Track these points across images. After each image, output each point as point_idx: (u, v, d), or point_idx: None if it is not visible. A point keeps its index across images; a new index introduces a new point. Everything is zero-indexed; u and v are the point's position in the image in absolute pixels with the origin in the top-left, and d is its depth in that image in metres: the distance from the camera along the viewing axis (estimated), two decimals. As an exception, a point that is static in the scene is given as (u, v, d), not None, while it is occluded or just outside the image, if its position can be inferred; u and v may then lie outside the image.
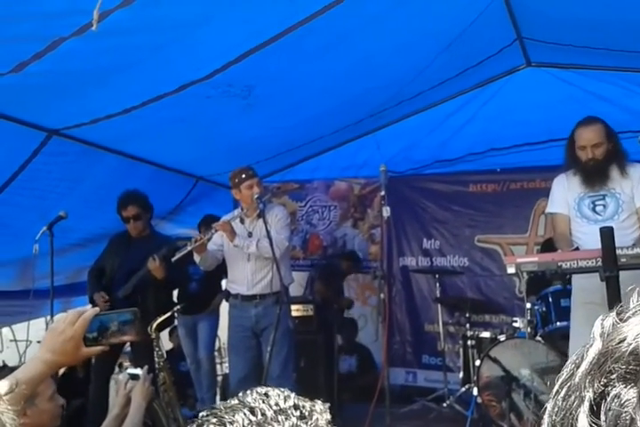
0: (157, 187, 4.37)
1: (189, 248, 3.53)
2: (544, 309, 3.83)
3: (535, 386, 3.55)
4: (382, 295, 3.44)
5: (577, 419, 0.35)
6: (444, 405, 4.29)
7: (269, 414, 0.73)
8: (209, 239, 3.66)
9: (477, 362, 3.83)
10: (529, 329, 3.86)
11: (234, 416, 0.72)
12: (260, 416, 0.72)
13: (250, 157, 4.41)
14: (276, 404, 0.75)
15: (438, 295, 4.78)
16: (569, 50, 3.90)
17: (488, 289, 5.12)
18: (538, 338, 3.74)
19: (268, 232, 3.39)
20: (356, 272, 5.37)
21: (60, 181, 3.78)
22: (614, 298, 2.35)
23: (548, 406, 0.39)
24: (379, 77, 3.83)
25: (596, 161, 2.92)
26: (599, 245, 2.48)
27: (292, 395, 0.77)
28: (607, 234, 2.35)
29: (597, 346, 0.38)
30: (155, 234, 4.23)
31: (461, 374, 4.38)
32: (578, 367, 0.38)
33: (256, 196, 3.55)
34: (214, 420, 0.73)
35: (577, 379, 0.37)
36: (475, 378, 3.80)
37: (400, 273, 5.38)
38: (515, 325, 4.13)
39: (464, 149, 5.05)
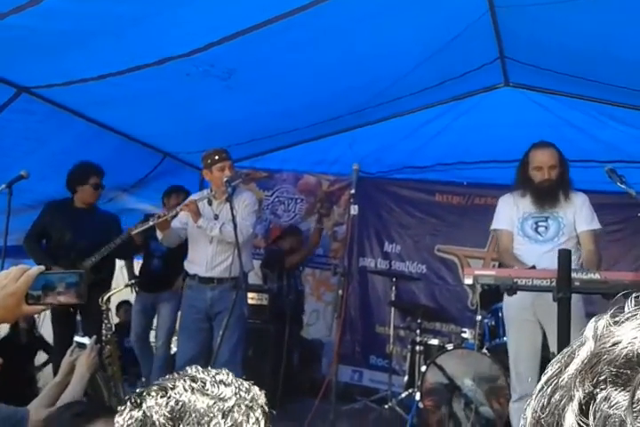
0: (123, 158, 4.31)
1: (151, 223, 3.48)
2: (493, 323, 3.91)
3: (476, 397, 3.62)
4: (340, 292, 3.44)
5: (564, 417, 0.35)
6: (386, 406, 4.33)
7: (209, 382, 0.76)
8: (173, 217, 3.61)
9: (423, 368, 3.88)
10: (477, 341, 3.94)
11: (175, 383, 0.75)
12: (199, 383, 0.75)
13: (223, 139, 4.36)
14: (217, 375, 0.78)
15: (393, 299, 4.83)
16: (548, 75, 3.99)
17: (442, 298, 5.20)
18: (484, 351, 3.81)
19: (233, 217, 3.36)
20: (301, 247, 5.32)
21: (25, 139, 3.70)
22: (564, 319, 2.41)
23: (532, 402, 0.38)
24: (360, 77, 3.86)
25: (551, 182, 3.03)
26: (538, 265, 2.56)
27: (232, 374, 0.81)
28: (564, 256, 2.41)
29: (589, 347, 0.37)
30: (97, 207, 4.19)
31: (406, 378, 4.43)
32: (567, 366, 0.38)
33: (226, 179, 3.51)
34: (155, 387, 0.76)
35: (566, 378, 0.37)
36: (419, 383, 3.85)
37: (358, 273, 5.42)
38: (463, 335, 4.21)
39: (434, 159, 5.11)
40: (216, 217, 3.63)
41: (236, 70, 3.46)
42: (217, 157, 3.59)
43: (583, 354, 0.37)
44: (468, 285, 2.91)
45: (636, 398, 0.33)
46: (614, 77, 3.80)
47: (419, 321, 4.50)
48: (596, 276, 2.45)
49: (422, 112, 4.67)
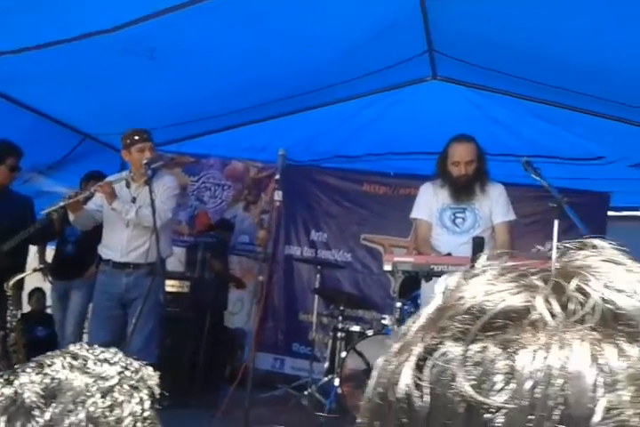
0: (39, 138, 4.09)
1: (61, 204, 3.31)
2: (412, 309, 3.99)
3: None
4: (261, 278, 3.41)
5: (400, 373, 0.34)
6: (305, 393, 4.35)
7: (92, 360, 0.72)
8: (87, 198, 3.45)
9: (343, 354, 3.91)
10: (395, 327, 4.00)
11: (53, 359, 0.72)
12: (80, 361, 0.72)
13: (147, 121, 4.20)
14: (102, 353, 0.75)
15: (317, 286, 4.84)
16: (476, 70, 4.08)
17: (365, 286, 5.26)
18: (402, 336, 3.87)
19: (152, 201, 3.25)
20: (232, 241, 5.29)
21: None
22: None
23: (380, 360, 0.37)
24: (291, 63, 3.81)
25: (467, 177, 3.10)
26: (455, 255, 2.62)
27: (121, 354, 0.77)
28: (479, 243, 2.49)
29: (436, 302, 0.37)
30: (10, 189, 3.97)
31: (327, 365, 4.46)
32: (414, 323, 0.37)
33: (145, 161, 3.38)
34: (33, 364, 0.72)
35: (411, 334, 0.36)
36: (338, 369, 3.88)
37: (284, 261, 5.39)
38: (383, 322, 4.27)
39: (364, 149, 5.15)
40: (134, 200, 3.50)
41: (159, 49, 3.34)
42: (137, 138, 3.45)
43: (429, 310, 0.37)
44: (388, 271, 2.95)
45: (470, 352, 0.32)
46: (542, 75, 3.93)
47: (341, 308, 4.53)
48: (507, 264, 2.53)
49: (353, 101, 4.68)
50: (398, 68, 4.17)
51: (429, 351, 0.34)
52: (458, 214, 3.19)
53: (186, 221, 5.52)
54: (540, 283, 0.34)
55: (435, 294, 0.38)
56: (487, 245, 3.09)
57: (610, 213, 5.09)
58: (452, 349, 0.33)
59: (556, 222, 2.41)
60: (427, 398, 0.32)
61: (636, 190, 4.93)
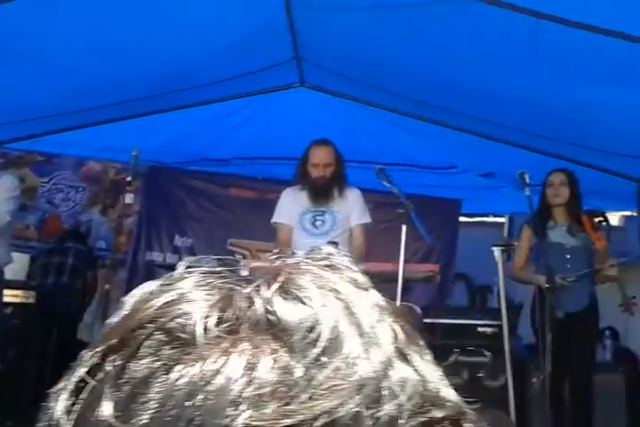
0: None
1: None
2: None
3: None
4: (107, 286, 3.20)
5: (57, 399, 0.31)
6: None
7: None
8: None
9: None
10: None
11: None
12: None
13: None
14: None
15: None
16: (341, 79, 4.19)
17: (231, 292, 5.16)
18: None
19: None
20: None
21: None
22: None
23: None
24: (157, 60, 3.65)
25: (325, 179, 3.19)
26: None
27: None
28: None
29: (123, 311, 0.33)
30: None
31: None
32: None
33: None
34: None
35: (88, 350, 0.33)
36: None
37: (144, 267, 5.14)
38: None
39: (232, 152, 5.08)
40: (-36, 202, 3.14)
41: (4, 41, 3.03)
42: None
43: (112, 320, 0.33)
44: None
45: (126, 370, 0.29)
46: (404, 88, 4.11)
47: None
48: (359, 266, 2.59)
49: (223, 104, 4.59)
50: (268, 73, 4.15)
51: (94, 371, 0.30)
52: (317, 217, 3.27)
53: (34, 226, 5.07)
54: (231, 290, 0.32)
55: None
56: (347, 247, 3.19)
57: (461, 218, 5.49)
58: (110, 367, 0.30)
59: (403, 228, 2.52)
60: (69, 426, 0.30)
61: (484, 198, 5.35)
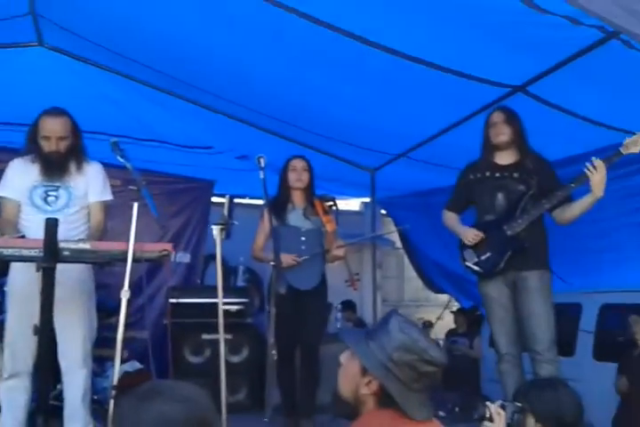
0: None
1: None
2: (1, 299, 3.59)
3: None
4: None
5: None
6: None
7: None
8: None
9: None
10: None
11: None
12: None
13: None
14: None
15: None
16: (86, 44, 3.88)
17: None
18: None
19: None
20: None
21: None
22: (48, 289, 2.38)
23: None
24: None
25: (59, 154, 2.94)
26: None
27: None
28: (52, 225, 2.35)
29: None
30: None
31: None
32: None
33: None
34: None
35: None
36: None
37: None
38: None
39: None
40: None
41: None
42: None
43: None
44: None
45: None
46: (156, 61, 3.93)
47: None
48: (87, 246, 2.46)
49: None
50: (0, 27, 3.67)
51: None
52: (50, 193, 2.99)
53: None
54: None
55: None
56: (85, 225, 2.99)
57: (215, 199, 5.53)
58: None
59: (135, 205, 2.43)
60: None
61: (240, 179, 5.47)
